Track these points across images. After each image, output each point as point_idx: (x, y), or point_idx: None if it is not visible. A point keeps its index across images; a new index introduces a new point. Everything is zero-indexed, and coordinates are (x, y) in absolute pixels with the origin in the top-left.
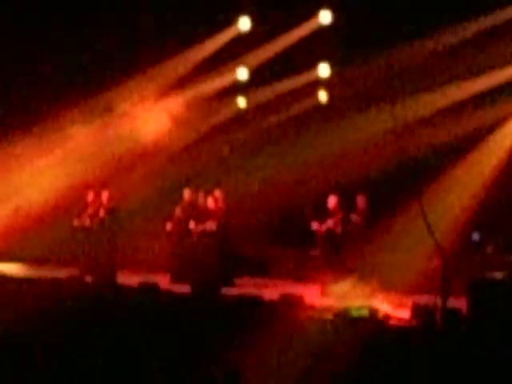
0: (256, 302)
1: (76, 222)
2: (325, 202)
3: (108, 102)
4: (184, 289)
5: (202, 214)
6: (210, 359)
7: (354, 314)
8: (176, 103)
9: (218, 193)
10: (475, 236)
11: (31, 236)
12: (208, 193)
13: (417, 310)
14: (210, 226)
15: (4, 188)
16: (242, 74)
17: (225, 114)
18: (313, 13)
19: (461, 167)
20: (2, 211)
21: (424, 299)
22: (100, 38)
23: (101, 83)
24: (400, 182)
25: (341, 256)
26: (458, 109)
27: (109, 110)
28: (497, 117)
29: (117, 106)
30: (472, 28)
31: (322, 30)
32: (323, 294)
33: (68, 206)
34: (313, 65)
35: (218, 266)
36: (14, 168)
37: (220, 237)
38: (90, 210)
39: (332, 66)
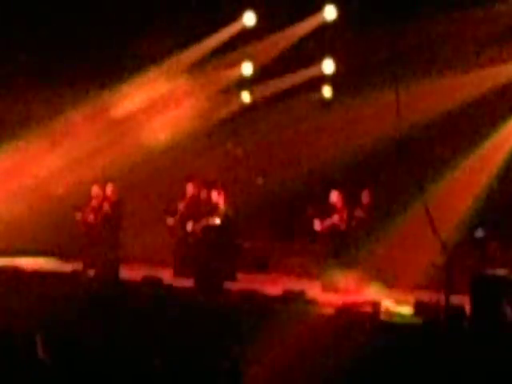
0: (258, 297)
1: (79, 216)
2: (328, 197)
3: (112, 95)
4: (187, 283)
5: (205, 209)
6: (213, 353)
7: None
8: (180, 97)
9: (221, 187)
10: (479, 233)
11: (35, 230)
12: (211, 187)
13: (419, 306)
14: (213, 220)
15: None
16: (247, 68)
17: (229, 108)
18: (317, 8)
19: (465, 162)
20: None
21: (427, 296)
22: (104, 32)
23: (105, 77)
24: (405, 178)
25: (344, 251)
26: (464, 101)
27: (113, 104)
28: (503, 110)
29: (121, 100)
30: (480, 15)
31: (327, 26)
32: (324, 289)
33: (72, 199)
34: (317, 60)
35: (221, 261)
36: (18, 163)
37: (222, 231)
38: (93, 204)
39: (336, 62)
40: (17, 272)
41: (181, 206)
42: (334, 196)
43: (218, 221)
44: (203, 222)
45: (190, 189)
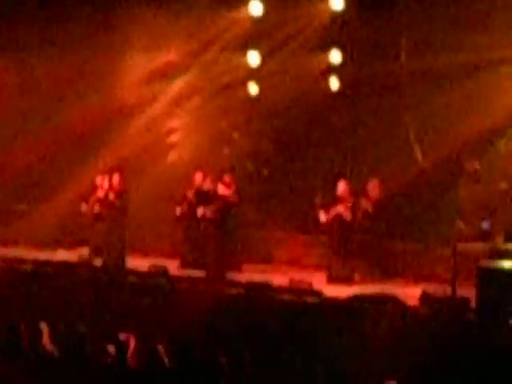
0: (265, 288)
1: (84, 208)
2: (335, 187)
3: (114, 88)
4: (193, 273)
5: (211, 199)
6: (217, 344)
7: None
8: (185, 88)
9: (227, 178)
10: (485, 224)
11: (40, 219)
12: (218, 177)
13: (426, 297)
14: (219, 210)
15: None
16: (254, 58)
17: (236, 99)
18: None
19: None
20: None
21: (433, 287)
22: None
23: (107, 65)
24: (411, 171)
25: (350, 242)
26: (474, 101)
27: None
28: None
29: (123, 93)
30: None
31: (334, 16)
32: (330, 280)
33: (78, 189)
34: (324, 51)
35: (226, 252)
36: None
37: (228, 222)
38: (99, 194)
39: (344, 52)
40: (21, 263)
41: (188, 195)
42: (341, 186)
43: (223, 211)
44: (209, 213)
45: (198, 178)
